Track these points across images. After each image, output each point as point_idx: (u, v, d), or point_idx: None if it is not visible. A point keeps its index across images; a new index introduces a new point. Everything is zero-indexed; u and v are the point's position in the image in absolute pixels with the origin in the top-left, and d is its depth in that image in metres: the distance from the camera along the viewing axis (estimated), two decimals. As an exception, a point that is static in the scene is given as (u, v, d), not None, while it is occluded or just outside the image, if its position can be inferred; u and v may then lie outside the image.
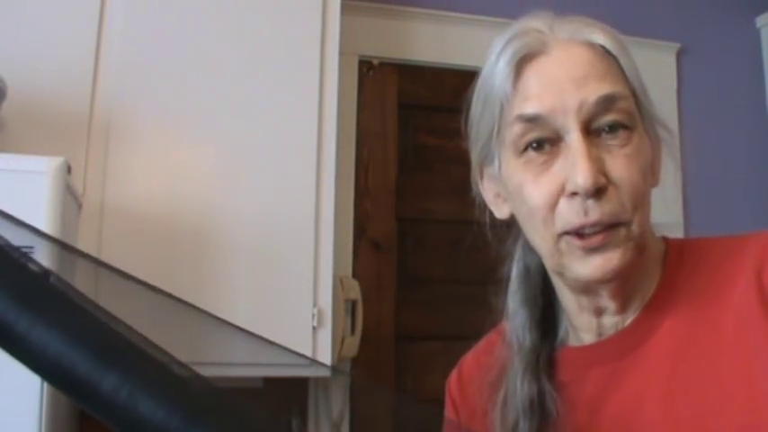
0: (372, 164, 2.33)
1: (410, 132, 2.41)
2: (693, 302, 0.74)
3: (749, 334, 0.68)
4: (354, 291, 2.13)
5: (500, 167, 0.78)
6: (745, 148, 2.64)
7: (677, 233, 2.29)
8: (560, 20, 0.76)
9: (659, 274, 0.78)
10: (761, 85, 2.73)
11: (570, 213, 0.71)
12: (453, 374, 0.93)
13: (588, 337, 0.80)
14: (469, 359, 0.92)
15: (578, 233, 0.71)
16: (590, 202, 0.70)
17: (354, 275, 2.22)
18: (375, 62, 2.38)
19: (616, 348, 0.77)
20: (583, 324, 0.79)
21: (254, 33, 1.89)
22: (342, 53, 1.96)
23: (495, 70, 0.76)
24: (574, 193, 0.70)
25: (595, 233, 0.71)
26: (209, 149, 1.83)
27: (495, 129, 0.76)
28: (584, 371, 0.78)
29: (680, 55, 2.64)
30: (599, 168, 0.70)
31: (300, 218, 1.84)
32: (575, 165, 0.70)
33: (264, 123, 1.85)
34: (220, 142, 1.83)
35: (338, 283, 2.02)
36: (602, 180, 0.70)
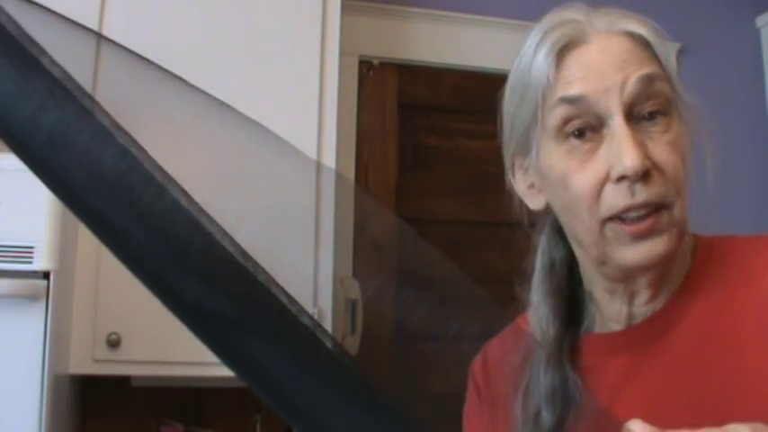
0: (372, 164, 2.33)
1: (410, 132, 2.41)
2: (719, 294, 0.75)
3: None
4: (354, 291, 2.13)
5: (538, 157, 0.78)
6: (746, 148, 2.64)
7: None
8: (596, 12, 0.77)
9: (688, 266, 0.78)
10: (761, 85, 2.73)
11: (617, 197, 0.71)
12: (477, 359, 0.92)
13: (617, 327, 0.80)
14: (495, 344, 0.91)
15: (622, 218, 0.72)
16: (637, 185, 0.71)
17: (354, 275, 2.22)
18: (375, 62, 2.38)
19: (640, 336, 0.77)
20: (613, 313, 0.80)
21: (253, 33, 1.89)
22: (342, 53, 1.96)
23: (534, 61, 0.76)
24: (621, 178, 0.71)
25: (641, 219, 0.71)
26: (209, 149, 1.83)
27: (536, 117, 0.76)
28: (608, 357, 0.79)
29: (680, 55, 2.64)
30: (644, 152, 0.71)
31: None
32: (621, 149, 0.70)
33: (264, 123, 1.85)
34: (220, 142, 1.83)
35: (338, 283, 2.02)
36: (648, 163, 0.71)
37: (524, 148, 0.79)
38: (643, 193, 0.71)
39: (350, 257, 2.24)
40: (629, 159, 0.69)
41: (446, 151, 2.41)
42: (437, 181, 2.40)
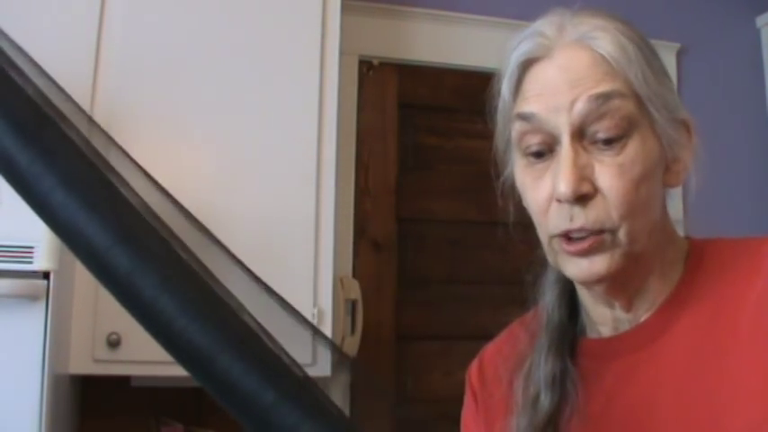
0: (372, 164, 2.33)
1: (410, 132, 2.40)
2: (711, 301, 0.75)
3: (765, 332, 0.69)
4: (354, 291, 2.13)
5: (514, 164, 0.81)
6: (746, 148, 2.64)
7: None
8: (574, 19, 0.76)
9: (680, 273, 0.79)
10: (761, 85, 2.73)
11: (558, 218, 0.74)
12: (474, 364, 0.94)
13: (605, 331, 0.81)
14: (490, 349, 0.94)
15: (567, 236, 0.74)
16: (576, 209, 0.72)
17: (354, 275, 2.22)
18: (375, 62, 2.38)
19: (634, 341, 0.78)
20: (598, 317, 0.81)
21: (253, 33, 1.89)
22: (342, 53, 1.96)
23: (505, 70, 0.79)
24: (559, 200, 0.73)
25: (581, 239, 0.73)
26: (209, 149, 1.83)
27: (505, 127, 0.79)
28: (603, 363, 0.79)
29: (680, 55, 2.64)
30: (584, 176, 0.71)
31: (300, 218, 1.84)
32: (558, 172, 0.72)
33: (265, 123, 1.85)
34: (220, 142, 1.83)
35: (338, 283, 2.02)
36: (586, 188, 0.71)
37: (508, 150, 0.82)
38: (580, 218, 0.72)
39: (350, 257, 2.24)
40: (563, 185, 0.71)
41: (446, 151, 2.41)
42: (437, 181, 2.40)
